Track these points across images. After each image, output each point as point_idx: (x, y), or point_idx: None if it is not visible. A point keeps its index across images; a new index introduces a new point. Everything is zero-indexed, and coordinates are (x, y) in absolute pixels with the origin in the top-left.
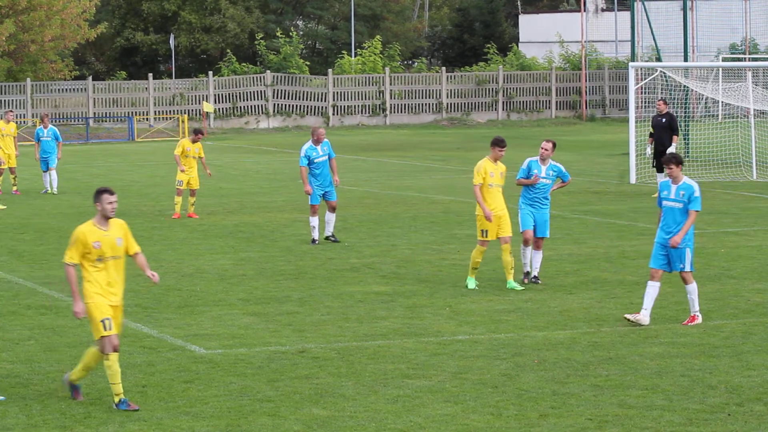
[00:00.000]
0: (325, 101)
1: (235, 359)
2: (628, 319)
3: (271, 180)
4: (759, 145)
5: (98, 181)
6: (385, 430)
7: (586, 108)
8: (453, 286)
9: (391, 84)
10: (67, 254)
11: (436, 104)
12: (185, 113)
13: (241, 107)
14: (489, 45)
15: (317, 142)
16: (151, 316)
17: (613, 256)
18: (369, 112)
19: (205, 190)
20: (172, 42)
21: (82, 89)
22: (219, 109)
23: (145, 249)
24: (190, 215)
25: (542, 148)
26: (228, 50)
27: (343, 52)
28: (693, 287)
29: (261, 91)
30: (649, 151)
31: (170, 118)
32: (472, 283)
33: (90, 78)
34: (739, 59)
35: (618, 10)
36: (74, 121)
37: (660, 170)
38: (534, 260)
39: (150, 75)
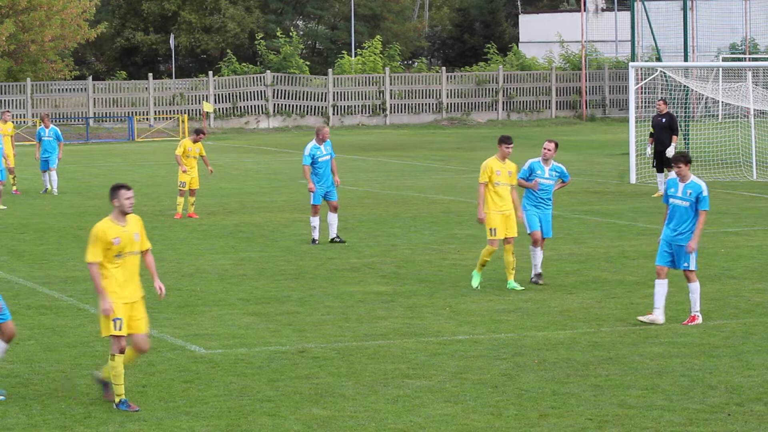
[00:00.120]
0: (325, 101)
1: (235, 359)
2: (643, 321)
3: (271, 180)
4: (759, 145)
5: (98, 181)
6: (385, 430)
7: (586, 108)
8: (453, 286)
9: (391, 84)
10: (89, 253)
11: (436, 104)
12: (185, 113)
13: (241, 107)
14: (489, 45)
15: (321, 140)
16: (151, 315)
17: (613, 256)
18: (369, 112)
19: (205, 190)
20: (172, 42)
21: (82, 89)
22: (219, 109)
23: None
24: (191, 215)
25: (545, 149)
26: (228, 50)
27: (343, 52)
28: (696, 286)
29: (261, 91)
30: (649, 151)
31: (170, 118)
32: (476, 280)
33: (90, 78)
34: (739, 59)
35: (618, 10)
36: (74, 121)
37: (660, 170)
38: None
39: (150, 75)
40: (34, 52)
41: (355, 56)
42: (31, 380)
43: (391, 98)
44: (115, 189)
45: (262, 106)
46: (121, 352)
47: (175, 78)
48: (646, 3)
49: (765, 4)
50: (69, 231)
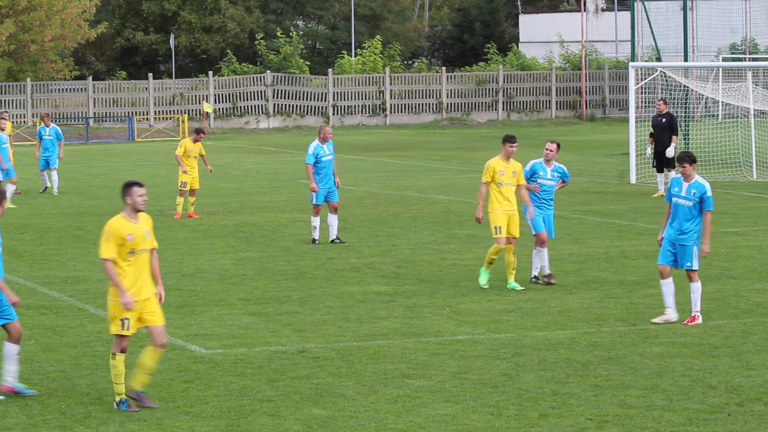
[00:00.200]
0: (325, 101)
1: (235, 359)
2: (657, 323)
3: (271, 180)
4: (759, 145)
5: (98, 181)
6: (385, 430)
7: (586, 108)
8: (453, 286)
9: (391, 84)
10: (104, 249)
11: (436, 104)
12: (185, 113)
13: (241, 107)
14: (489, 45)
15: (324, 140)
16: None
17: (613, 256)
18: (369, 112)
19: (205, 190)
20: (172, 42)
21: (82, 89)
22: (219, 109)
23: None
24: (191, 215)
25: (547, 149)
26: (228, 50)
27: (343, 52)
28: (697, 286)
29: (261, 91)
30: (649, 151)
31: (170, 118)
32: (484, 278)
33: (90, 78)
34: (739, 59)
35: (618, 10)
36: (74, 121)
37: (660, 170)
38: (535, 260)
39: (150, 75)
40: (34, 52)
41: (355, 56)
42: (31, 380)
43: (391, 98)
44: (128, 186)
45: (262, 106)
46: (122, 351)
47: (175, 78)
48: (646, 3)
49: (765, 4)
50: (69, 231)
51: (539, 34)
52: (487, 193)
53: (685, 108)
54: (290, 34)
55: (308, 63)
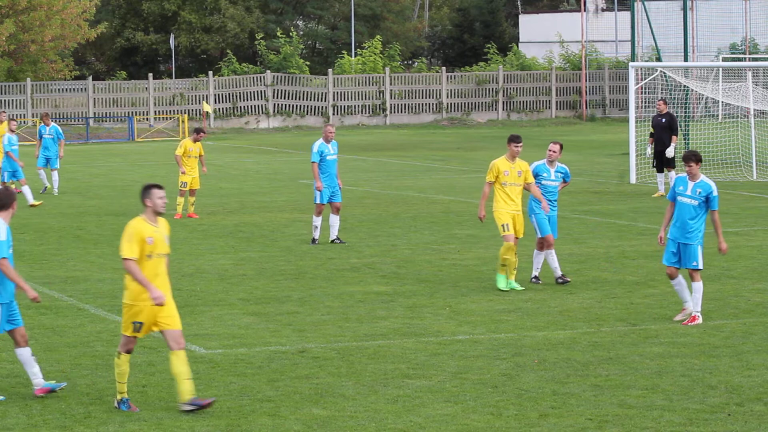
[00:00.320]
0: (325, 101)
1: (235, 359)
2: (679, 319)
3: (271, 180)
4: (759, 145)
5: (98, 181)
6: (385, 430)
7: (586, 108)
8: (453, 286)
9: (391, 84)
10: (126, 249)
11: (436, 104)
12: (185, 113)
13: (241, 107)
14: (489, 45)
15: (327, 139)
16: None
17: (613, 256)
18: (369, 112)
19: (205, 190)
20: (172, 42)
21: (82, 89)
22: (219, 109)
23: None
24: (191, 215)
25: (550, 150)
26: (228, 50)
27: (343, 52)
28: (699, 286)
29: (261, 91)
30: (649, 151)
31: (170, 118)
32: (502, 282)
33: (90, 78)
34: (739, 59)
35: (618, 10)
36: (74, 121)
37: (660, 170)
38: (537, 260)
39: (150, 75)
40: (34, 52)
41: (355, 56)
42: (31, 380)
43: (391, 98)
44: (148, 188)
45: (262, 106)
46: (128, 352)
47: (175, 78)
48: (646, 3)
49: (765, 4)
50: (69, 231)
51: (539, 34)
52: (492, 192)
53: (685, 108)
54: (290, 34)
55: (308, 63)
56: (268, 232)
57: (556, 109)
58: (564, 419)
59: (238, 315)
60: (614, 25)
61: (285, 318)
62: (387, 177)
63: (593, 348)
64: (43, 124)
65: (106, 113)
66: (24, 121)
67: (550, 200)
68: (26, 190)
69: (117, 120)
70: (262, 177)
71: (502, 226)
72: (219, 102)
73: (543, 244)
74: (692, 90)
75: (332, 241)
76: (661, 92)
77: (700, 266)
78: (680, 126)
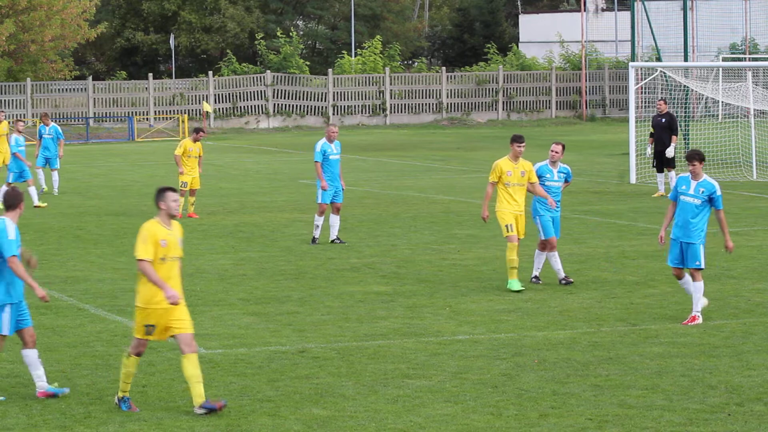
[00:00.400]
0: (325, 101)
1: (235, 359)
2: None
3: (271, 180)
4: (759, 145)
5: (98, 181)
6: (385, 430)
7: (586, 108)
8: (453, 286)
9: (391, 84)
10: (141, 251)
11: (436, 104)
12: (185, 113)
13: (241, 107)
14: (489, 45)
15: (330, 139)
16: None
17: (613, 256)
18: (369, 112)
19: (205, 190)
20: (172, 42)
21: (82, 89)
22: (219, 109)
23: None
24: (191, 215)
25: (552, 151)
26: (228, 50)
27: (343, 52)
28: (700, 285)
29: (261, 91)
30: (649, 151)
31: (170, 118)
32: (516, 284)
33: (90, 78)
34: (739, 59)
35: (618, 10)
36: (74, 121)
37: (660, 170)
38: (538, 260)
39: (150, 75)
40: (34, 52)
41: (355, 56)
42: (31, 380)
43: (391, 98)
44: (162, 191)
45: (262, 106)
46: (138, 355)
47: (175, 78)
48: (646, 3)
49: (765, 4)
50: (69, 231)
51: (539, 34)
52: (495, 193)
53: (685, 108)
54: (290, 34)
55: (308, 63)
56: (268, 232)
57: (556, 109)
58: (564, 419)
59: (238, 315)
60: (614, 25)
61: (285, 318)
62: (387, 177)
63: (593, 348)
64: (42, 124)
65: (106, 113)
66: (24, 121)
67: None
68: (32, 191)
69: (117, 120)
70: (262, 177)
71: (506, 226)
72: (219, 102)
73: (545, 246)
74: (692, 90)
75: (332, 241)
76: (661, 92)
77: (703, 266)
78: (680, 126)
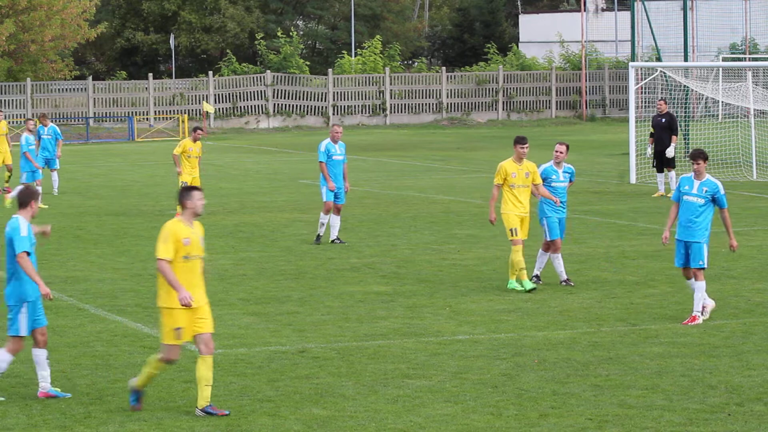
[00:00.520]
0: (325, 101)
1: (235, 359)
2: (706, 319)
3: (271, 180)
4: (759, 145)
5: (98, 181)
6: (385, 430)
7: (586, 108)
8: (453, 286)
9: (391, 84)
10: (161, 250)
11: (436, 104)
12: (185, 113)
13: (241, 107)
14: (489, 45)
15: (335, 140)
16: (151, 315)
17: (613, 256)
18: (369, 112)
19: (205, 190)
20: (172, 42)
21: (82, 89)
22: (219, 109)
23: (145, 249)
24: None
25: (557, 151)
26: (228, 50)
27: (343, 52)
28: (702, 285)
29: (261, 91)
30: (649, 151)
31: (170, 118)
32: (528, 284)
33: (90, 78)
34: (739, 59)
35: (618, 10)
36: (74, 121)
37: (660, 170)
38: (540, 260)
39: (150, 75)
40: (34, 52)
41: (355, 56)
42: (31, 380)
43: (391, 98)
44: (189, 190)
45: (262, 106)
46: (169, 362)
47: (175, 78)
48: (646, 3)
49: (765, 4)
50: (69, 231)
51: (539, 34)
52: (500, 194)
53: (685, 108)
54: (290, 34)
55: (308, 63)
56: (268, 232)
57: (556, 109)
58: (564, 419)
59: (238, 315)
60: (614, 25)
61: (285, 318)
62: (387, 177)
63: (593, 348)
64: (41, 124)
65: (106, 113)
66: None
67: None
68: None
69: (117, 120)
70: (262, 177)
71: (511, 230)
72: (219, 102)
73: (549, 247)
74: (692, 90)
75: (332, 241)
76: (661, 92)
77: (705, 265)
78: (680, 126)
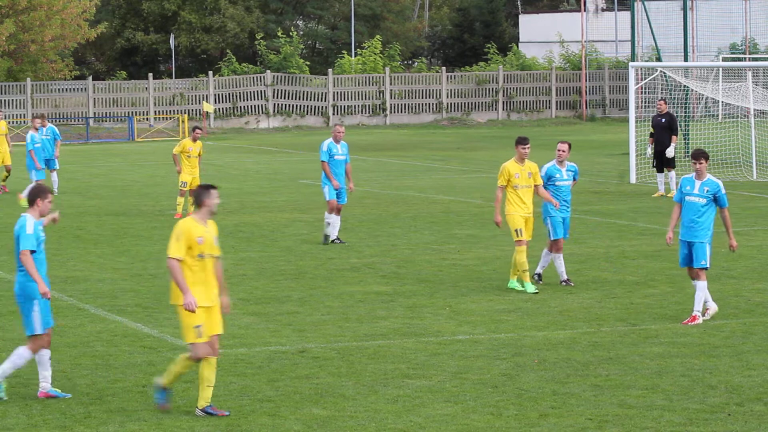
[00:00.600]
0: (325, 101)
1: (235, 359)
2: (707, 319)
3: (271, 180)
4: (759, 145)
5: (98, 181)
6: (385, 430)
7: (586, 108)
8: (453, 286)
9: (391, 84)
10: (173, 249)
11: (436, 104)
12: (185, 113)
13: (241, 107)
14: (489, 45)
15: (337, 139)
16: (151, 315)
17: (613, 256)
18: (369, 112)
19: None
20: (172, 42)
21: (82, 89)
22: (219, 109)
23: (145, 249)
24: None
25: (559, 150)
26: (228, 50)
27: (343, 52)
28: (703, 285)
29: (261, 91)
30: (649, 151)
31: (170, 118)
32: (531, 287)
33: (90, 78)
34: (739, 59)
35: (618, 10)
36: (74, 121)
37: (660, 170)
38: (544, 259)
39: (150, 75)
40: (34, 52)
41: (355, 56)
42: (31, 380)
43: (391, 98)
44: (207, 188)
45: (262, 106)
46: (198, 360)
47: (175, 78)
48: (646, 3)
49: (765, 4)
50: (69, 231)
51: (539, 34)
52: (504, 195)
53: (685, 108)
54: (290, 34)
55: (308, 63)
56: (268, 232)
57: (556, 109)
58: (564, 419)
59: (238, 315)
60: (614, 25)
61: (285, 318)
62: (387, 177)
63: (593, 348)
64: (40, 125)
65: (106, 113)
66: (24, 121)
67: (564, 200)
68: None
69: (117, 120)
70: (262, 177)
71: (516, 231)
72: (219, 102)
73: (553, 246)
74: (692, 90)
75: (332, 241)
76: (661, 92)
77: (708, 265)
78: (680, 126)
